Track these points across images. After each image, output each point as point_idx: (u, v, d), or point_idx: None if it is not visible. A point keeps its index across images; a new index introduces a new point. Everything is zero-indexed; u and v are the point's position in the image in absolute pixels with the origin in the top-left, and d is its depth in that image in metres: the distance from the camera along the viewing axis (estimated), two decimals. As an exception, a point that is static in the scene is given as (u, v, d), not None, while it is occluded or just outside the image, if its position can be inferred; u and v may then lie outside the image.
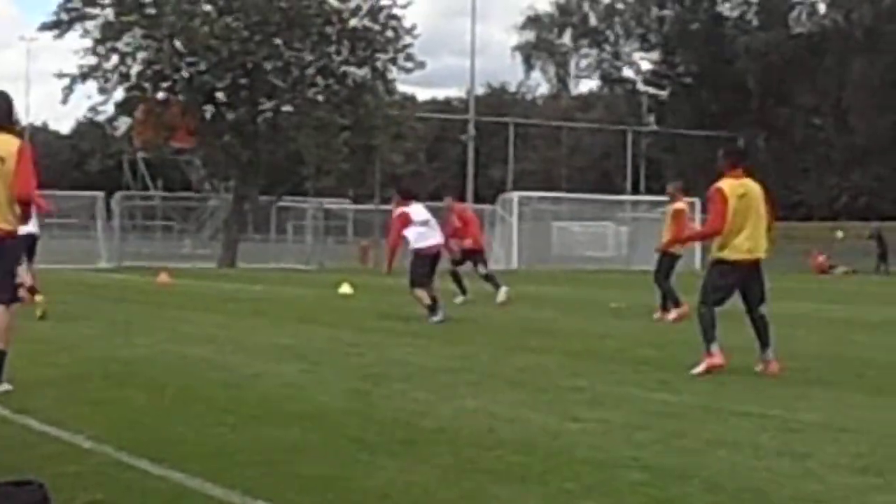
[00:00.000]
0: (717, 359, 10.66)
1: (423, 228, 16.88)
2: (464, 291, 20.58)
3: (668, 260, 18.22)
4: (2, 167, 8.71)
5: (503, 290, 20.65)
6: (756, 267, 10.92)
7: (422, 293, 16.70)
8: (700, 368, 10.68)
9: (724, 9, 70.58)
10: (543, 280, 32.74)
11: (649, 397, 9.11)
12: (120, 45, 41.71)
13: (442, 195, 21.31)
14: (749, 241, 10.78)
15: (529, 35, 75.49)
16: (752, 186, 10.97)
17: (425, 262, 16.87)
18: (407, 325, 16.06)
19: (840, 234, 46.19)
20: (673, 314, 17.69)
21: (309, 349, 12.49)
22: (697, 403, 8.79)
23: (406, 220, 16.84)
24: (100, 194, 42.92)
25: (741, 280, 10.83)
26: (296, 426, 7.51)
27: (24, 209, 8.93)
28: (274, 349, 12.48)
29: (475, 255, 21.20)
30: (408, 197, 17.40)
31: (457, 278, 20.75)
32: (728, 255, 10.78)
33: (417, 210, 17.11)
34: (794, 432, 7.57)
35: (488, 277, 21.05)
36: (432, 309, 16.51)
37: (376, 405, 8.51)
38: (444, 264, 18.50)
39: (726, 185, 10.80)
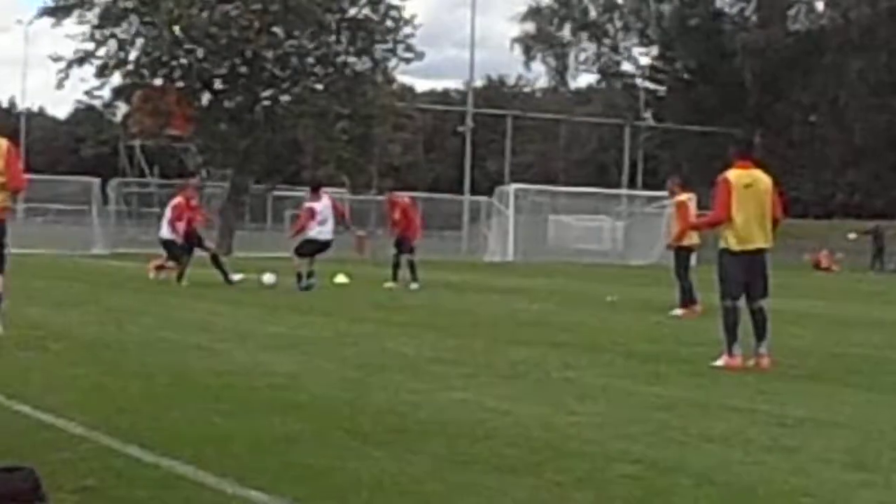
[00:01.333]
0: (737, 361, 10.71)
1: (321, 226, 20.52)
2: (395, 279, 22.34)
3: (683, 254, 18.09)
4: None
5: (416, 285, 22.04)
6: (760, 257, 10.99)
7: (300, 262, 20.53)
8: (718, 363, 10.76)
9: (724, 5, 70.54)
10: (539, 273, 32.72)
11: (642, 391, 9.14)
12: (118, 31, 41.56)
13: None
14: (753, 229, 10.87)
15: (530, 27, 75.31)
16: (760, 177, 11.08)
17: (313, 246, 20.58)
18: (402, 315, 16.09)
19: (853, 235, 46.17)
20: (679, 311, 17.65)
21: (303, 339, 12.51)
22: (689, 397, 8.82)
23: (312, 214, 20.58)
24: (95, 180, 42.63)
25: (747, 269, 10.90)
26: (289, 415, 7.52)
27: (14, 195, 11.16)
28: (269, 338, 12.49)
29: (406, 243, 23.04)
30: (316, 190, 21.37)
31: (396, 267, 22.58)
32: (733, 243, 10.88)
33: (322, 207, 20.68)
34: (785, 427, 7.61)
35: (412, 266, 22.57)
36: (299, 277, 20.24)
37: (370, 395, 8.53)
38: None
39: (732, 174, 10.97)
